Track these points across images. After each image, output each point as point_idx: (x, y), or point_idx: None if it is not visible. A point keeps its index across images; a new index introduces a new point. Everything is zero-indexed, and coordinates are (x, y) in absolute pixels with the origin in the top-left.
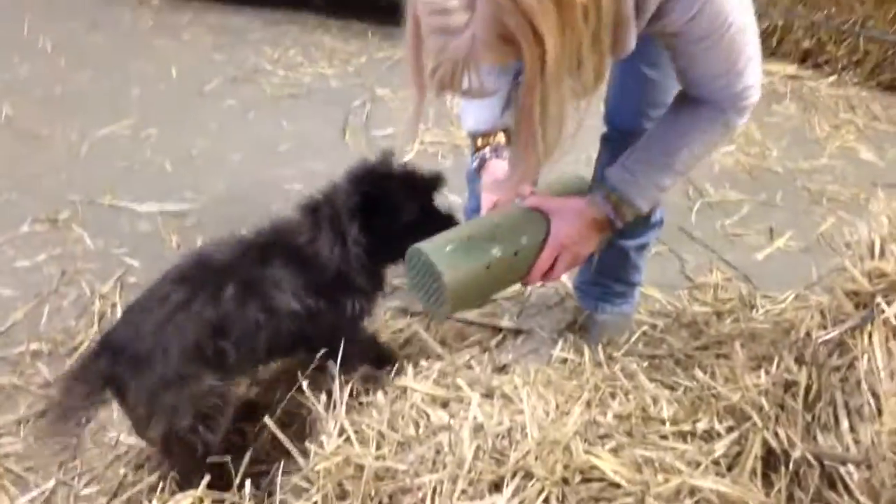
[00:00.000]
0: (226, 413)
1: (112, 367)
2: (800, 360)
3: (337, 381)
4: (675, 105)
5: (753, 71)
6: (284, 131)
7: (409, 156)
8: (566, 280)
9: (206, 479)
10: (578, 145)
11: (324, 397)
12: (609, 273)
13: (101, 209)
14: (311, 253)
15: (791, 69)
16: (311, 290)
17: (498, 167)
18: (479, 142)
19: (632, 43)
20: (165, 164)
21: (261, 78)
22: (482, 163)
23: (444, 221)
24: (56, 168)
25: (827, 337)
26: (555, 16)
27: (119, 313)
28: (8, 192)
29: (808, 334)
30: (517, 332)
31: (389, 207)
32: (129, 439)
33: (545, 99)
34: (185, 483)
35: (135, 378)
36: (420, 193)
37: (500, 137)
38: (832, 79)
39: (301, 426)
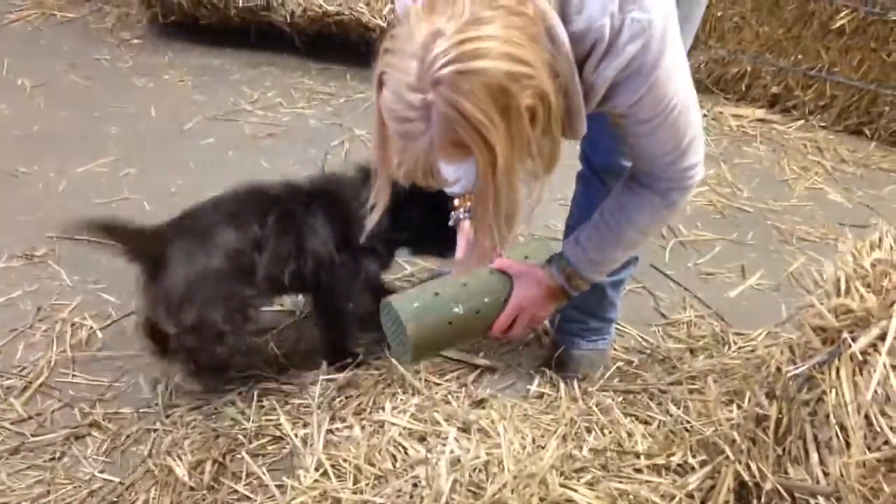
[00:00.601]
0: (249, 322)
1: (161, 247)
2: (770, 395)
3: (315, 416)
4: (623, 185)
5: (696, 150)
6: (263, 170)
7: None
8: None
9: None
10: (554, 186)
11: (301, 431)
12: (585, 309)
13: (79, 246)
14: (351, 207)
15: (760, 113)
16: (339, 241)
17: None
18: (456, 202)
19: (583, 129)
20: (144, 201)
21: (240, 118)
22: (457, 221)
23: (446, 235)
24: (33, 205)
25: (796, 372)
26: (503, 126)
27: (96, 349)
28: None
29: (778, 369)
30: (493, 369)
31: (414, 202)
32: (104, 475)
33: (498, 197)
34: (203, 380)
35: (180, 264)
36: (441, 207)
37: None
38: (800, 123)
39: (278, 460)
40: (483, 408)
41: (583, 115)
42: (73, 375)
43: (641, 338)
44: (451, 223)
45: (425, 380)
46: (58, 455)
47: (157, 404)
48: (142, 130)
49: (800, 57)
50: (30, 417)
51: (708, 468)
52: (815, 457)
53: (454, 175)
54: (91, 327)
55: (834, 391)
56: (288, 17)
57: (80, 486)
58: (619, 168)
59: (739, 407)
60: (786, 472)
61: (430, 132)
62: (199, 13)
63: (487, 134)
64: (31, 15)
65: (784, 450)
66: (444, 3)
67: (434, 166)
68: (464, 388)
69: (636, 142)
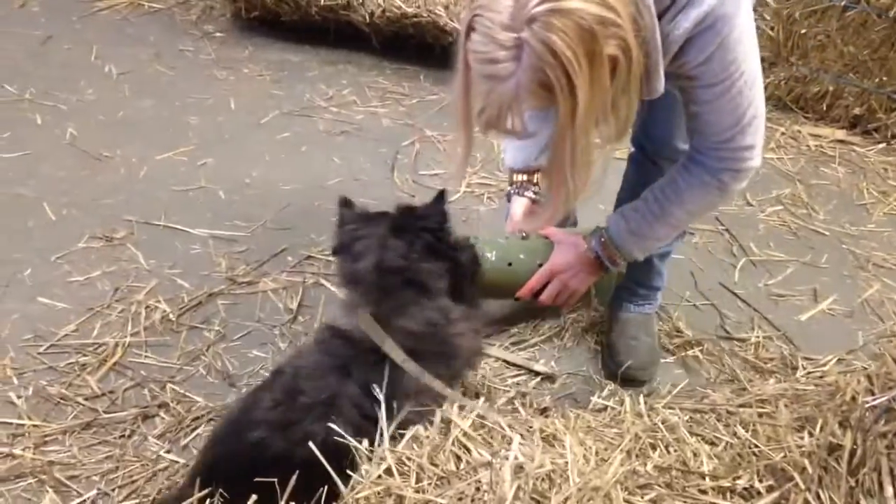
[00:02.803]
0: None
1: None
2: (844, 424)
3: (382, 412)
4: (679, 164)
5: (756, 131)
6: (335, 166)
7: (455, 196)
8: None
9: None
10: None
11: None
12: (633, 277)
13: (156, 230)
14: None
15: (840, 134)
16: None
17: (518, 203)
18: (514, 177)
19: (660, 87)
20: (220, 191)
21: (315, 114)
22: (509, 196)
23: None
24: (115, 188)
25: (875, 402)
26: (587, 71)
27: (168, 332)
28: (67, 209)
29: (853, 398)
30: (553, 377)
31: None
32: (170, 455)
33: (575, 145)
34: None
35: None
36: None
37: (532, 178)
38: (881, 146)
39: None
40: (546, 416)
41: (661, 71)
42: (146, 356)
43: (706, 357)
44: (505, 194)
45: (487, 385)
46: (127, 433)
47: (222, 390)
48: (220, 122)
49: (885, 79)
50: (103, 394)
51: (776, 494)
52: (889, 490)
53: (535, 126)
54: (165, 311)
55: None
56: (367, 17)
57: (147, 465)
58: (674, 152)
59: (811, 434)
60: None
61: (518, 73)
62: (282, 10)
63: (573, 76)
64: (119, 4)
65: (857, 481)
66: None
67: (518, 109)
68: (527, 396)
69: (698, 110)
